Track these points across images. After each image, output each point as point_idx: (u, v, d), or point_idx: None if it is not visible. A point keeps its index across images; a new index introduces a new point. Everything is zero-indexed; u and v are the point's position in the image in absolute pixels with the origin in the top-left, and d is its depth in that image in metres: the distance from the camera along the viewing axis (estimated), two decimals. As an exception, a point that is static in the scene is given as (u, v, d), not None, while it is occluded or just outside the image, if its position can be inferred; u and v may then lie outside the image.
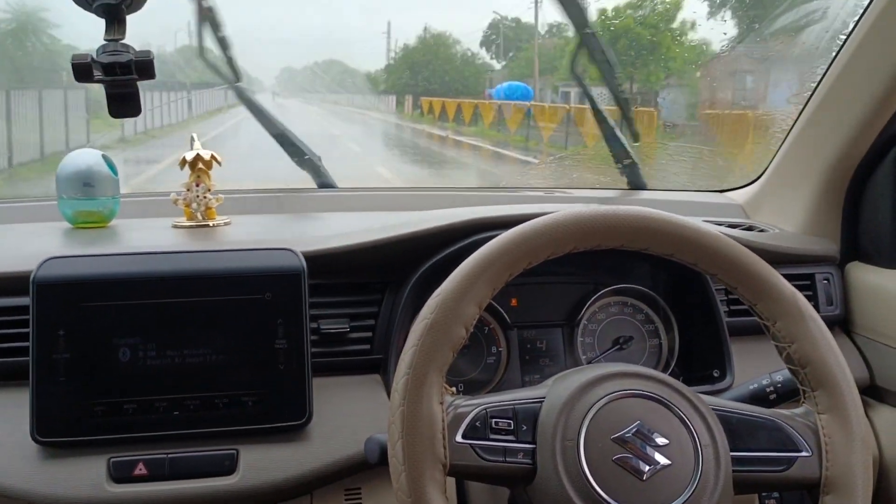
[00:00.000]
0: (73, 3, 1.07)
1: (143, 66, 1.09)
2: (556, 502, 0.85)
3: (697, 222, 0.98)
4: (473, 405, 0.90)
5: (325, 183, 1.85)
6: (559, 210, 0.95)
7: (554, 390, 0.92)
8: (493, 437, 0.88)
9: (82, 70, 1.07)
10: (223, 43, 1.73)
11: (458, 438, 0.87)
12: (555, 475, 0.85)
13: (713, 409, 0.93)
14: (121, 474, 1.08)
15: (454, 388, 0.92)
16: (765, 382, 1.15)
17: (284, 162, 1.81)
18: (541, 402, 0.91)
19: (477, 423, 0.88)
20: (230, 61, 1.76)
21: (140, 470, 1.09)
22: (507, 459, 0.87)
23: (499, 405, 0.90)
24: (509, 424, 0.89)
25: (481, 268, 0.91)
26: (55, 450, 1.09)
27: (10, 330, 1.15)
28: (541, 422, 0.89)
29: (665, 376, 0.95)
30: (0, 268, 1.18)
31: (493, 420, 0.89)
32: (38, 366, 1.08)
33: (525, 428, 0.89)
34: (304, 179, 1.86)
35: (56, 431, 1.08)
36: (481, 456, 0.87)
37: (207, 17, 1.68)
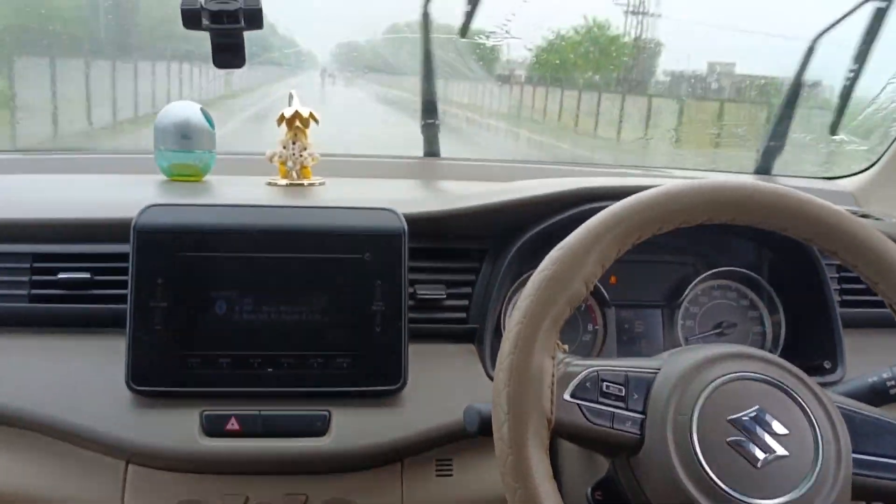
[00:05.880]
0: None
1: (251, 15, 1.07)
2: (661, 477, 0.82)
3: (815, 198, 0.93)
4: (585, 366, 0.87)
5: (431, 152, 1.83)
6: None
7: (671, 363, 0.88)
8: (602, 400, 0.85)
9: (191, 16, 1.06)
10: None
11: (566, 396, 0.84)
12: (663, 448, 0.82)
13: (838, 405, 0.88)
14: (213, 428, 1.07)
15: (566, 346, 0.89)
16: (885, 375, 1.09)
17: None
18: (655, 372, 0.88)
19: (587, 384, 0.85)
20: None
21: (232, 425, 1.08)
22: (615, 426, 0.84)
23: (611, 369, 0.87)
24: (620, 390, 0.86)
25: (610, 225, 0.87)
26: (149, 399, 1.08)
27: (109, 277, 1.15)
28: (654, 392, 0.86)
29: (790, 365, 0.90)
30: (102, 214, 1.18)
31: (604, 383, 0.85)
32: (136, 313, 1.07)
33: (636, 396, 0.86)
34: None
35: (151, 380, 1.07)
36: (588, 418, 0.84)
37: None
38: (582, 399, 0.84)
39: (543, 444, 0.81)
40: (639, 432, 0.84)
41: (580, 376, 0.85)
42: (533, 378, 0.81)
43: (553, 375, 0.83)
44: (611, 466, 0.92)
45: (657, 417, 0.84)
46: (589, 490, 0.94)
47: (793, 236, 0.92)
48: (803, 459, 0.82)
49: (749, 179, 0.91)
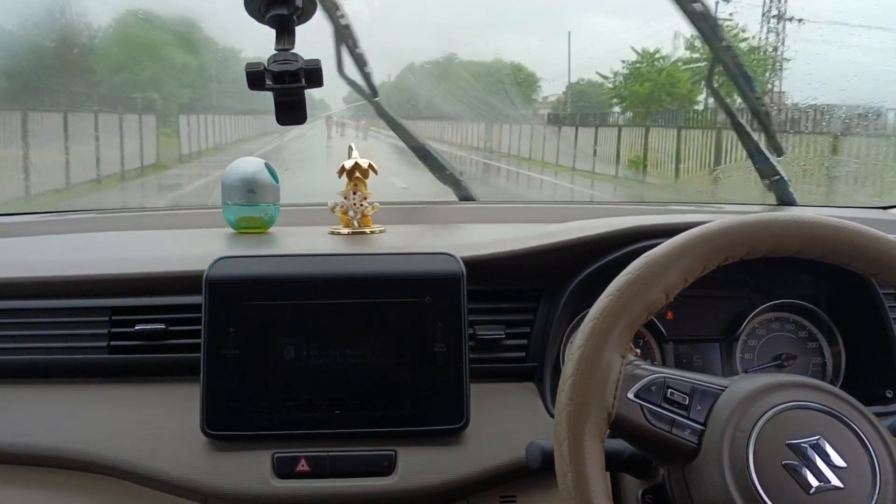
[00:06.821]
0: (246, 14, 1.11)
1: (312, 75, 1.12)
2: (711, 488, 0.83)
3: (878, 232, 0.93)
4: (653, 371, 0.89)
5: (465, 196, 1.87)
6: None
7: (738, 383, 0.89)
8: (664, 405, 0.87)
9: (255, 78, 1.11)
10: (359, 60, 1.75)
11: (630, 395, 0.86)
12: (717, 460, 0.83)
13: None
14: (284, 470, 1.11)
15: (638, 350, 0.90)
16: None
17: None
18: (722, 389, 0.89)
19: (652, 388, 0.87)
20: (367, 77, 1.78)
21: (302, 466, 1.11)
22: (674, 431, 0.86)
23: (679, 378, 0.89)
24: (685, 399, 0.87)
25: (700, 241, 0.89)
26: (223, 443, 1.12)
27: (182, 327, 1.20)
28: (717, 406, 0.87)
29: (861, 405, 0.89)
30: (175, 267, 1.23)
31: (669, 390, 0.87)
32: (209, 361, 1.12)
33: (700, 408, 0.87)
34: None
35: (224, 425, 1.12)
36: (648, 419, 0.86)
37: (345, 34, 1.70)
38: (645, 400, 0.86)
39: (600, 436, 0.83)
40: (696, 442, 0.85)
41: (646, 379, 0.88)
42: (600, 372, 0.84)
43: (620, 373, 0.85)
44: (664, 474, 0.93)
45: (717, 430, 0.85)
46: (640, 492, 0.96)
47: (857, 271, 0.92)
48: (858, 496, 0.81)
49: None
